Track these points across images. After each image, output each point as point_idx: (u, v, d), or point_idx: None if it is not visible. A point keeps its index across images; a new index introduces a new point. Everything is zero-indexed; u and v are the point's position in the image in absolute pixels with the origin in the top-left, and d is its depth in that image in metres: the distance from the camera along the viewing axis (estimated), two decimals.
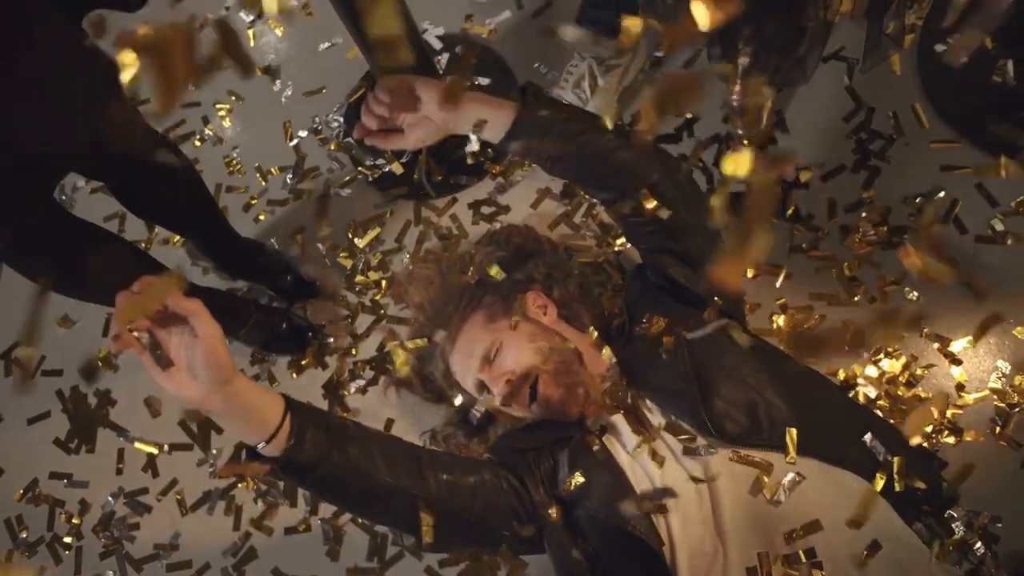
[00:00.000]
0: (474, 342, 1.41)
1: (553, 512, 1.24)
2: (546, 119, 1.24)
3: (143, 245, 1.99)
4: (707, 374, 1.23)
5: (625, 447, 1.25)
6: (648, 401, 1.28)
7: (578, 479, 1.23)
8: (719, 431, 1.17)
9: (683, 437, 1.20)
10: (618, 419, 1.27)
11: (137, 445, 1.79)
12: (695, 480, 1.16)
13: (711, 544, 1.13)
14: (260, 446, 1.03)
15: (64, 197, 2.12)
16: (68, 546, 1.75)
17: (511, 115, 1.23)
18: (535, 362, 1.33)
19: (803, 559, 1.08)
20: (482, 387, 1.39)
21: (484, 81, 1.94)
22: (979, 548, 1.35)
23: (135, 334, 0.94)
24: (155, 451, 1.77)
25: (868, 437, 1.22)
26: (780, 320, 1.59)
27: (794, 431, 1.15)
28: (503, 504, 1.24)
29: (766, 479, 1.15)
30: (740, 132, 1.69)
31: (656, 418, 1.26)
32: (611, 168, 1.27)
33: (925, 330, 1.54)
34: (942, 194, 1.63)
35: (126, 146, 1.35)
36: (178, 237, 1.95)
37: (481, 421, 1.52)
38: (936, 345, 1.52)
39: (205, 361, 0.94)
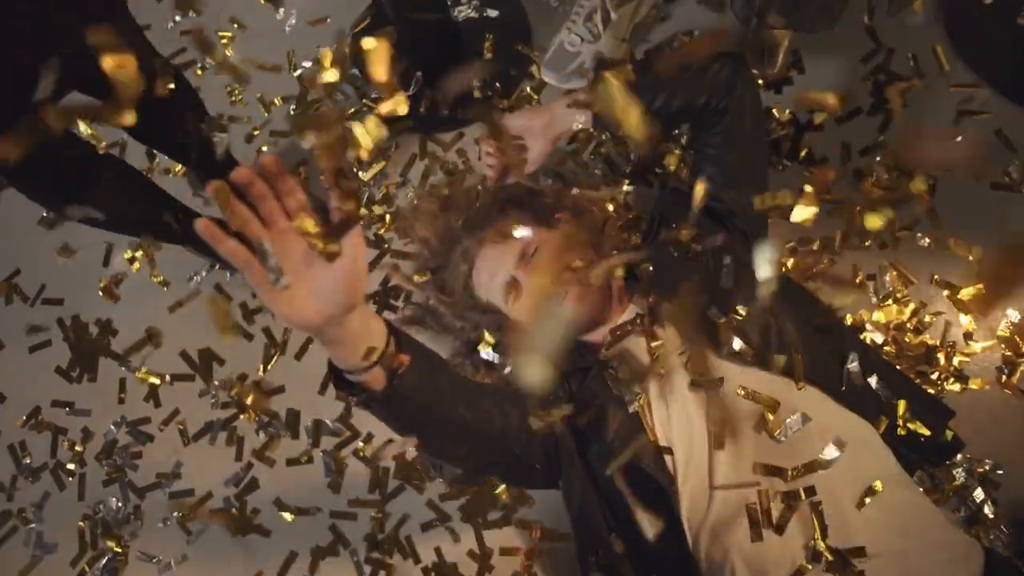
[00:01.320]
0: (508, 249, 1.37)
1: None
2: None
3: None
4: (727, 291, 1.24)
5: (646, 385, 1.25)
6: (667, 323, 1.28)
7: (596, 412, 1.23)
8: (728, 347, 1.18)
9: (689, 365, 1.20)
10: (632, 351, 1.27)
11: (139, 375, 1.79)
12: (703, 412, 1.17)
13: (708, 479, 1.14)
14: (354, 373, 0.92)
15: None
16: (71, 473, 1.76)
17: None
18: (573, 263, 1.33)
19: (802, 496, 1.08)
20: (512, 287, 1.34)
21: (493, 13, 1.89)
22: (979, 494, 1.36)
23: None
24: (157, 381, 1.77)
25: (874, 379, 1.21)
26: (789, 263, 1.58)
27: (799, 358, 1.16)
28: (535, 438, 1.21)
29: (771, 416, 1.14)
30: (756, 72, 1.66)
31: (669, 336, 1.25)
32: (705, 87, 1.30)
33: (936, 276, 1.52)
34: (959, 139, 1.59)
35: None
36: (179, 167, 1.91)
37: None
38: (946, 292, 1.51)
39: (345, 283, 0.79)
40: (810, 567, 1.04)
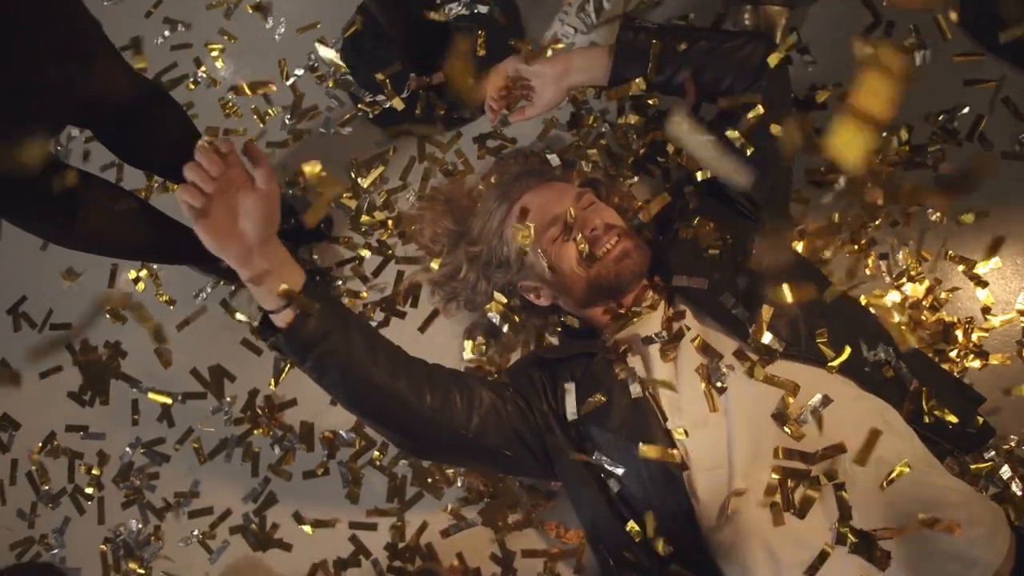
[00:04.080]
0: (567, 190, 1.40)
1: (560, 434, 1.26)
2: (642, 41, 1.30)
3: (142, 193, 1.95)
4: (752, 281, 1.23)
5: (651, 369, 1.24)
6: (684, 308, 1.28)
7: (599, 398, 1.23)
8: (758, 340, 1.17)
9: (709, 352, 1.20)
10: (640, 335, 1.26)
11: (151, 396, 1.78)
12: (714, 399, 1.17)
13: (727, 465, 1.13)
14: (274, 314, 1.10)
15: (59, 148, 2.08)
16: (90, 497, 1.76)
17: (605, 51, 1.34)
18: (625, 226, 1.37)
19: (824, 480, 1.06)
20: (561, 227, 1.33)
21: (483, 9, 1.86)
22: (1005, 472, 1.33)
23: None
24: (169, 401, 1.77)
25: (901, 364, 1.20)
26: (799, 246, 1.55)
27: (824, 332, 1.18)
28: (505, 425, 1.25)
29: (791, 400, 1.13)
30: None
31: (691, 326, 1.24)
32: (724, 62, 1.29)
33: (950, 252, 1.49)
34: (966, 110, 1.56)
35: (116, 96, 1.30)
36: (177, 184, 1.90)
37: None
38: (961, 268, 1.48)
39: (262, 211, 1.05)
40: (832, 549, 1.02)
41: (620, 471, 1.20)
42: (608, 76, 1.35)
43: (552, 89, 1.40)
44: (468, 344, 1.62)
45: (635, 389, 1.21)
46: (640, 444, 1.16)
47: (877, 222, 1.53)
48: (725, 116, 1.34)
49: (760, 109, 1.25)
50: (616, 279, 1.30)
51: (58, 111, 1.22)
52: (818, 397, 1.12)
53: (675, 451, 1.15)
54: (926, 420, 1.21)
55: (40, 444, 1.83)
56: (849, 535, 1.02)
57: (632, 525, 1.21)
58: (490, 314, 1.48)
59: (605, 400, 1.23)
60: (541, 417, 1.28)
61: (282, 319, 1.10)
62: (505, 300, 1.46)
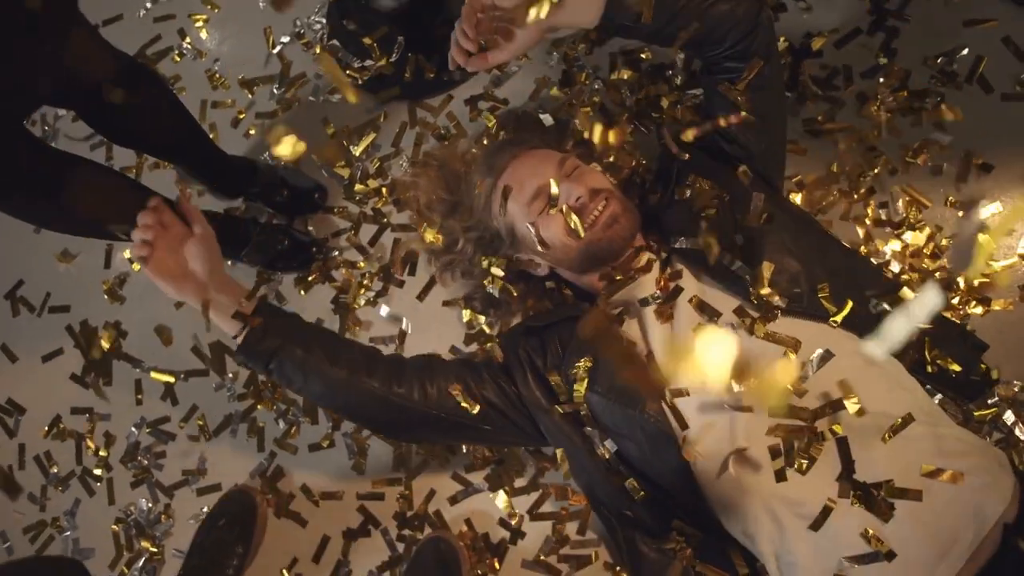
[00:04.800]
0: (549, 158, 1.36)
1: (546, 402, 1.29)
2: None
3: (132, 171, 1.93)
4: (750, 238, 1.22)
5: (647, 331, 1.24)
6: (681, 268, 1.27)
7: (587, 363, 1.24)
8: (758, 296, 1.16)
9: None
10: (641, 297, 1.26)
11: (153, 375, 1.77)
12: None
13: (728, 424, 1.13)
14: (236, 337, 1.28)
15: (47, 128, 2.05)
16: (99, 478, 1.77)
17: None
18: (612, 188, 1.34)
19: (827, 436, 1.06)
20: (545, 199, 1.30)
21: None
22: (1009, 417, 1.33)
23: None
24: (172, 380, 1.76)
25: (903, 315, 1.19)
26: (798, 198, 1.53)
27: (826, 287, 1.18)
28: (479, 400, 1.30)
29: (793, 356, 1.12)
30: None
31: (689, 285, 1.24)
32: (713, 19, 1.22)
33: (950, 198, 1.47)
34: (966, 51, 1.53)
35: (94, 73, 1.27)
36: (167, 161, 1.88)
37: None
38: (960, 213, 1.46)
39: (204, 251, 1.27)
40: (836, 503, 1.03)
41: (612, 435, 1.24)
42: (596, 19, 1.21)
43: (530, 29, 1.23)
44: (466, 312, 1.61)
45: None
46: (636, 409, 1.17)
47: (876, 170, 1.50)
48: (709, 69, 1.32)
49: (758, 64, 1.23)
50: (608, 244, 1.29)
51: (32, 89, 1.19)
52: (819, 352, 1.11)
53: (670, 412, 1.16)
54: (929, 370, 1.20)
55: (46, 428, 1.83)
56: (852, 489, 1.02)
57: (632, 482, 1.22)
58: (489, 287, 1.48)
59: (593, 363, 1.24)
60: (526, 389, 1.30)
61: (241, 338, 1.28)
62: (502, 274, 1.45)
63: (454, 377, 1.32)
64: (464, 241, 1.47)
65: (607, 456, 1.24)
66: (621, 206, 1.30)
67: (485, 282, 1.48)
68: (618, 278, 1.29)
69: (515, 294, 1.49)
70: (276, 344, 1.27)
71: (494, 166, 1.39)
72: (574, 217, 1.26)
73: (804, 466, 1.05)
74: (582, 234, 1.27)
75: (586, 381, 1.24)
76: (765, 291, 1.16)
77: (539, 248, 1.32)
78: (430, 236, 1.53)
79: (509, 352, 1.34)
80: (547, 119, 1.62)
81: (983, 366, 1.24)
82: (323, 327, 1.44)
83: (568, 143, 1.50)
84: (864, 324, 1.17)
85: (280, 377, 1.29)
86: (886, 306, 1.19)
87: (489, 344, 1.40)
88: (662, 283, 1.25)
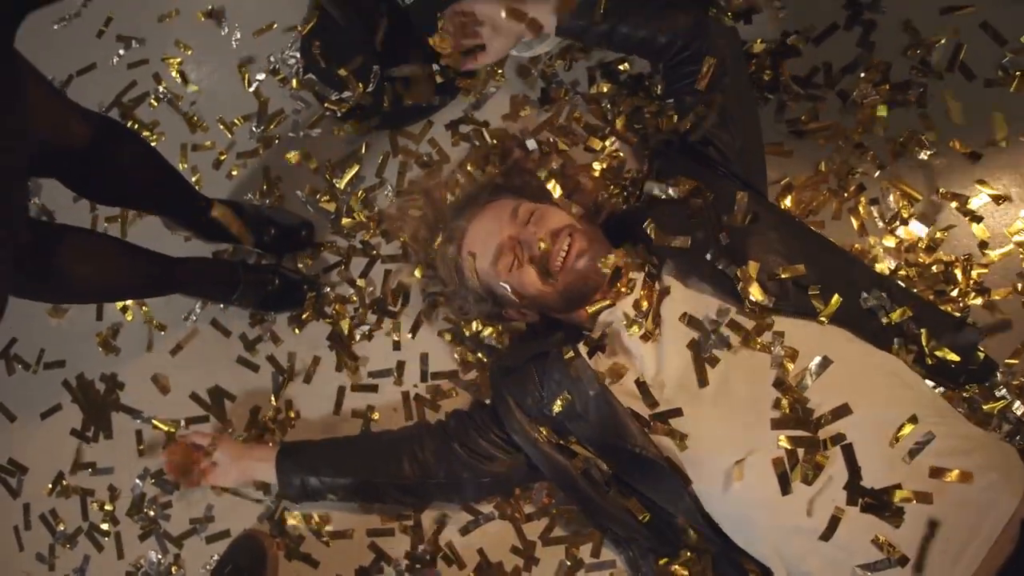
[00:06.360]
0: (502, 210, 1.34)
1: (534, 432, 1.31)
2: None
3: (117, 222, 1.92)
4: (736, 238, 1.21)
5: (631, 351, 1.23)
6: (666, 275, 1.26)
7: (566, 397, 1.24)
8: (746, 295, 1.15)
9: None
10: (622, 317, 1.25)
11: (154, 424, 1.76)
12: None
13: (728, 438, 1.12)
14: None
15: (46, 214, 2.03)
16: (106, 533, 1.75)
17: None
18: (573, 222, 1.32)
19: (830, 446, 1.04)
20: (510, 255, 1.30)
21: None
22: (1018, 407, 1.31)
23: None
24: (172, 429, 1.75)
25: (896, 308, 1.18)
26: (787, 200, 1.51)
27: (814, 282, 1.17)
28: (464, 461, 1.40)
29: (790, 365, 1.10)
30: (722, 4, 1.58)
31: (675, 291, 1.23)
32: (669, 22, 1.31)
33: (941, 190, 1.45)
34: (944, 40, 1.51)
35: (67, 140, 1.25)
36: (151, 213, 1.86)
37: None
38: (953, 204, 1.44)
39: (229, 462, 1.56)
40: (844, 512, 1.01)
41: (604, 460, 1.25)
42: (555, 25, 1.37)
43: (504, 36, 1.39)
44: (458, 350, 1.64)
45: (592, 387, 1.22)
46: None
47: (861, 169, 1.49)
48: (669, 77, 1.37)
49: (711, 61, 1.28)
50: (583, 281, 1.27)
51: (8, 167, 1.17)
52: (817, 360, 1.09)
53: (658, 435, 1.16)
54: (928, 362, 1.19)
55: (50, 486, 1.82)
56: (860, 496, 1.01)
57: (635, 503, 1.24)
58: (484, 337, 1.52)
59: (572, 399, 1.24)
60: (515, 424, 1.32)
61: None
62: (491, 330, 1.51)
63: (439, 442, 1.42)
64: (452, 296, 1.48)
65: (604, 479, 1.26)
66: (586, 238, 1.28)
67: (480, 332, 1.51)
68: (594, 308, 1.29)
69: (507, 339, 1.53)
70: (300, 485, 1.48)
71: (453, 234, 1.40)
72: (531, 285, 1.29)
73: (811, 476, 1.04)
74: (556, 280, 1.26)
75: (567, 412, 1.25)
76: (753, 290, 1.15)
77: (519, 302, 1.33)
78: (419, 273, 1.53)
79: (494, 392, 1.37)
80: (531, 144, 1.62)
81: (980, 354, 1.22)
82: (329, 441, 1.56)
83: (520, 180, 1.48)
84: (855, 319, 1.16)
85: (311, 501, 1.52)
86: (876, 300, 1.18)
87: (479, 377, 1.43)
88: (644, 301, 1.23)
